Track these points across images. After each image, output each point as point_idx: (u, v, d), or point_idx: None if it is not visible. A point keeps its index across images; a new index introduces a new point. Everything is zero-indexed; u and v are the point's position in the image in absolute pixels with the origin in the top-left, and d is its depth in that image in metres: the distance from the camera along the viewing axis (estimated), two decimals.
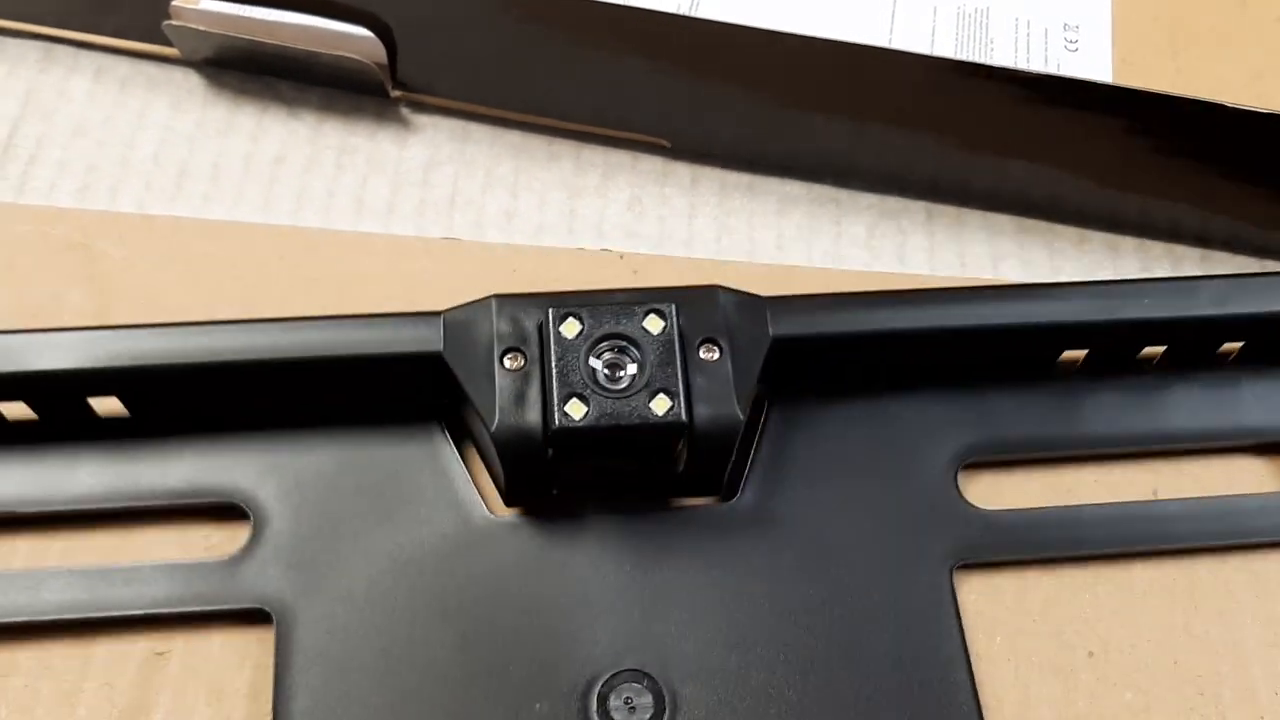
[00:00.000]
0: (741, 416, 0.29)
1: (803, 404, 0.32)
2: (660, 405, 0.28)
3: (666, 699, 0.28)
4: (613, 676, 0.28)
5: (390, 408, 0.31)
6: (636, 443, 0.28)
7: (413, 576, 0.29)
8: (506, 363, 0.29)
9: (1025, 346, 0.32)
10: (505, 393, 0.28)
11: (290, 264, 0.36)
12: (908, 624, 0.29)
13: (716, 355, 0.29)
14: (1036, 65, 0.40)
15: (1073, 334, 0.32)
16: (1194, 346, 0.33)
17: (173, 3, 0.38)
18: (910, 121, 0.37)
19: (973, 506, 0.31)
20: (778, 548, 0.30)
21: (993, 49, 0.40)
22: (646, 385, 0.28)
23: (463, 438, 0.31)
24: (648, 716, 0.28)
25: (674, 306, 0.29)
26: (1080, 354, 0.32)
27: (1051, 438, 0.33)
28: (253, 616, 0.29)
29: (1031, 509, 0.32)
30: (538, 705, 0.28)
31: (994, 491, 0.32)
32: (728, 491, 0.31)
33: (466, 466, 0.31)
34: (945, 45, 0.40)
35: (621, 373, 0.28)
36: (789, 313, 0.30)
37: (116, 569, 0.29)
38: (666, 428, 0.28)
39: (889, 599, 0.30)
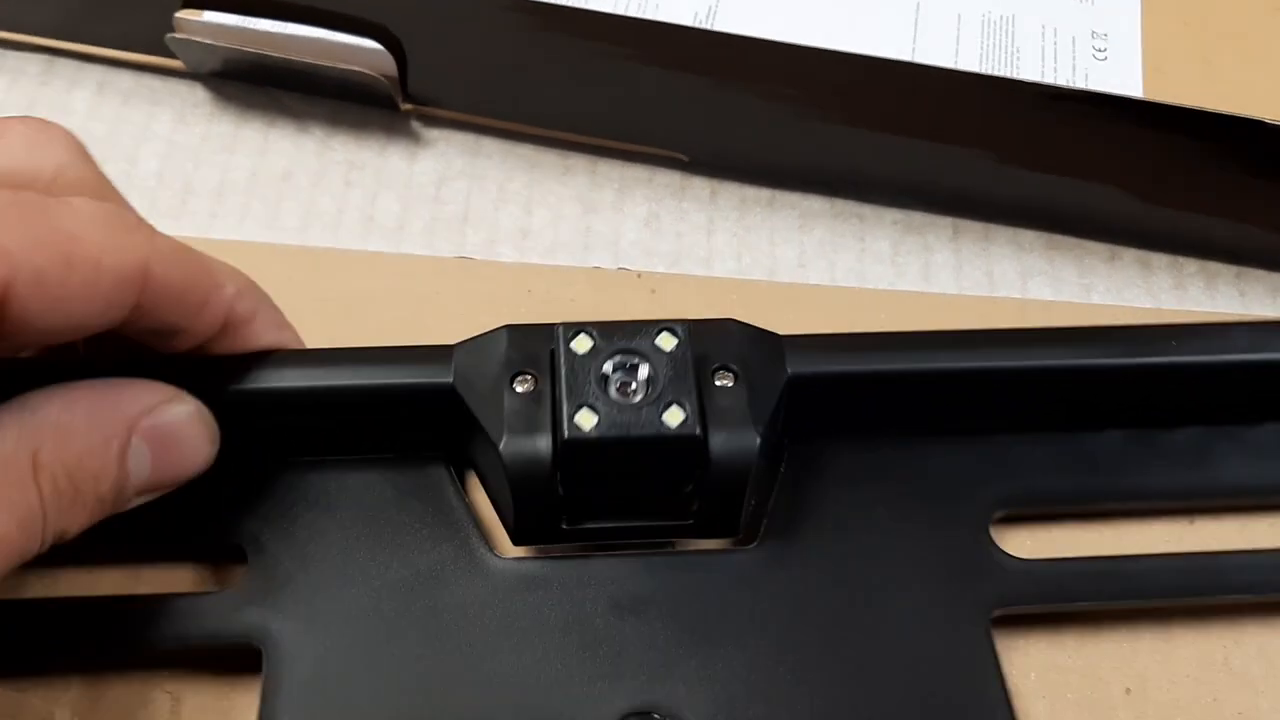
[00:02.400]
0: (758, 438, 0.27)
1: (823, 451, 0.31)
2: (673, 417, 0.27)
3: None
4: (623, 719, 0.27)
5: (395, 448, 0.30)
6: (649, 457, 0.27)
7: (414, 617, 0.28)
8: (516, 386, 0.28)
9: (1052, 392, 0.31)
10: (514, 413, 0.28)
11: (298, 284, 0.35)
12: (945, 676, 0.28)
13: (731, 382, 0.28)
14: (1064, 75, 0.39)
15: (1103, 377, 0.30)
16: (1233, 395, 0.31)
17: (176, 14, 0.37)
18: (935, 135, 0.36)
19: (1008, 555, 0.30)
20: (799, 594, 0.29)
21: (1019, 59, 0.39)
22: (659, 398, 0.27)
23: (470, 481, 0.30)
24: None
25: (686, 327, 0.28)
26: (1115, 402, 0.31)
27: (1087, 490, 0.31)
28: (243, 652, 0.28)
29: (1069, 559, 0.30)
30: None
31: (1029, 539, 0.31)
32: (746, 535, 0.30)
33: (473, 513, 0.30)
34: (970, 56, 0.39)
35: (633, 384, 0.27)
36: (806, 350, 0.29)
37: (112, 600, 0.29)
38: (680, 440, 0.27)
39: (924, 651, 0.28)
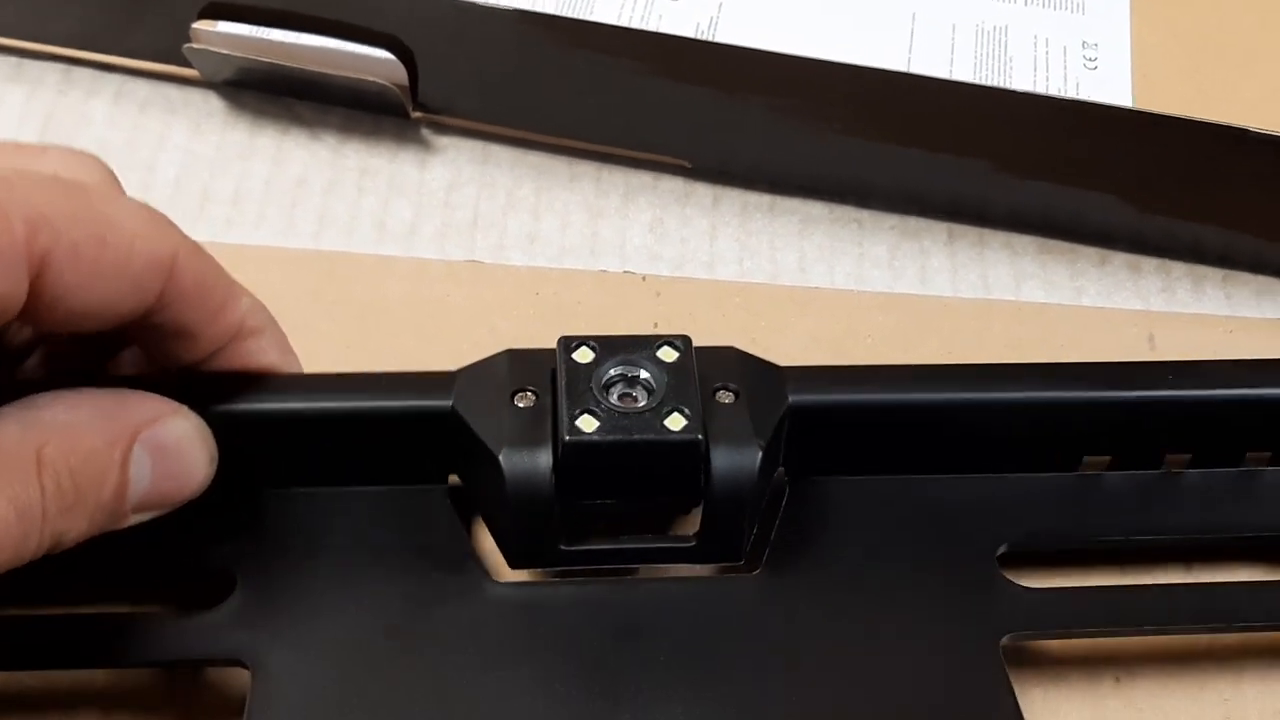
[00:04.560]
0: (759, 451, 0.28)
1: (825, 486, 0.31)
2: (675, 423, 0.27)
3: None
4: None
5: (395, 478, 0.30)
6: (650, 461, 0.27)
7: (407, 641, 0.28)
8: (517, 402, 0.28)
9: (1051, 430, 0.31)
10: (514, 426, 0.28)
11: (312, 288, 0.36)
12: (958, 699, 0.28)
13: (732, 399, 0.28)
14: (1056, 84, 0.40)
15: (1102, 412, 0.30)
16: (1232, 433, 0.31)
17: (193, 25, 0.38)
18: (931, 144, 0.37)
19: (1016, 585, 0.30)
20: (803, 620, 0.29)
21: (1012, 68, 0.40)
22: (661, 405, 0.27)
23: (468, 508, 0.30)
24: None
25: (688, 341, 0.29)
26: (1114, 438, 0.31)
27: (1090, 529, 0.31)
28: (230, 669, 0.28)
29: (1077, 588, 0.31)
30: None
31: (1034, 577, 0.31)
32: (749, 562, 0.29)
33: (471, 540, 0.30)
34: (964, 66, 0.40)
35: (635, 393, 0.28)
36: (806, 380, 0.30)
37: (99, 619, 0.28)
38: (681, 446, 0.27)
39: (935, 674, 0.28)
